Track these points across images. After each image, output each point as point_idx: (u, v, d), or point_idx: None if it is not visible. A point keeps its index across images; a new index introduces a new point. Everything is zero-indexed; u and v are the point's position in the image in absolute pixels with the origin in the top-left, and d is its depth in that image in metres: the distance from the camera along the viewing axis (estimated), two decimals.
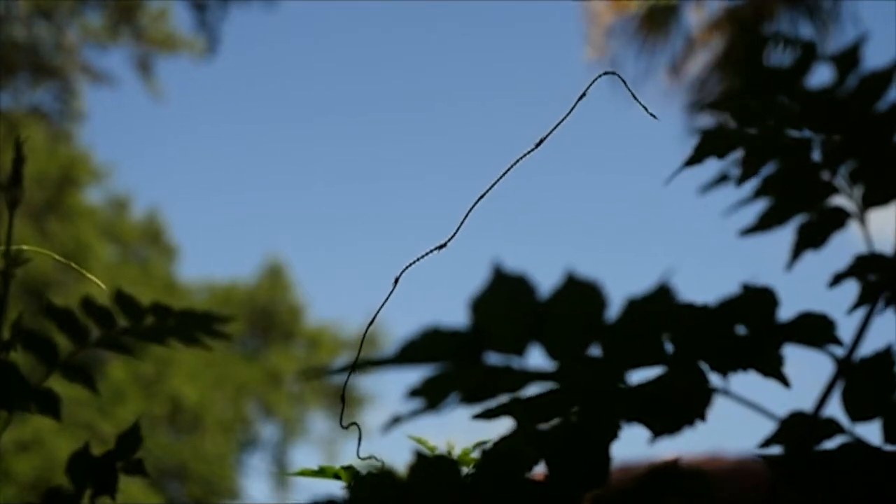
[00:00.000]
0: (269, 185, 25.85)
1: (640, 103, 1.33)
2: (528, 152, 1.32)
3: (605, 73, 1.30)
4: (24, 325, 1.16)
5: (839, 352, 0.88)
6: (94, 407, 14.65)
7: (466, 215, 1.32)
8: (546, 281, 0.78)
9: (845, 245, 0.95)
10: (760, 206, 0.94)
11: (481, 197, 1.32)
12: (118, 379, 15.57)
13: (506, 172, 1.32)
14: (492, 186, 1.32)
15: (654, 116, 1.34)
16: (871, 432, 0.90)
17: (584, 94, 1.31)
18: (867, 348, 0.88)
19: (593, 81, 1.30)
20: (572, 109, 1.31)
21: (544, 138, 1.32)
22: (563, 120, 1.31)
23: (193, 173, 25.75)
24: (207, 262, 27.36)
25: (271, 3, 12.66)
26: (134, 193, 18.70)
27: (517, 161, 1.32)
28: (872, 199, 0.91)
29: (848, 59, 0.87)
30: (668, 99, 9.75)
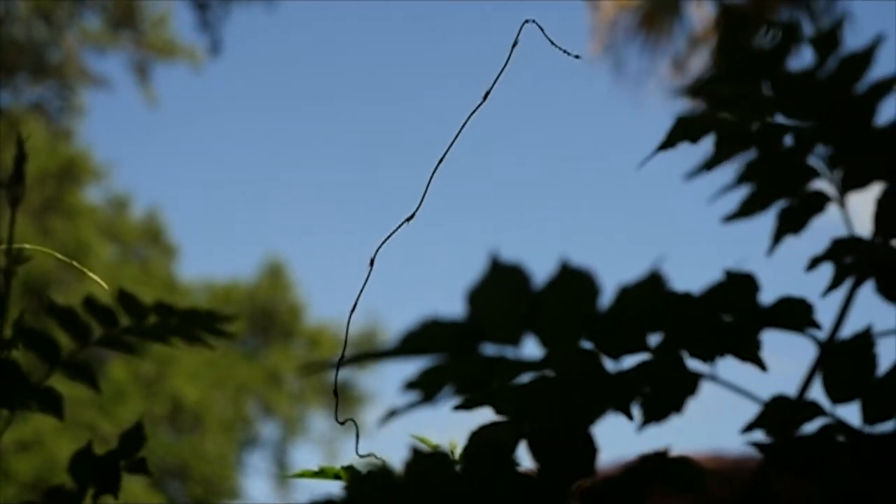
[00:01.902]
0: (269, 184, 25.82)
1: (561, 49, 1.40)
2: (477, 108, 1.38)
3: (528, 22, 1.36)
4: (26, 323, 1.17)
5: (821, 335, 0.89)
6: (94, 406, 14.64)
7: (428, 184, 1.36)
8: (539, 267, 0.79)
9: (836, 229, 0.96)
10: (743, 192, 0.95)
11: (439, 163, 1.36)
12: (118, 378, 15.55)
13: (458, 133, 1.36)
14: (447, 150, 1.37)
15: (578, 57, 1.41)
16: (851, 414, 0.91)
17: (516, 42, 1.36)
18: (849, 330, 0.89)
19: (521, 28, 1.36)
20: (508, 60, 1.37)
21: (489, 91, 1.38)
22: (502, 71, 1.37)
23: (193, 172, 25.71)
24: (207, 261, 27.32)
25: (272, 1, 12.65)
26: (134, 192, 18.70)
27: (467, 119, 1.37)
28: (852, 183, 0.92)
29: (828, 41, 0.87)
30: (671, 95, 9.74)
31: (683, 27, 9.70)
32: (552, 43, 1.38)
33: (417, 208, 1.36)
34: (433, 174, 1.36)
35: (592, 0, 9.90)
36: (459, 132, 1.35)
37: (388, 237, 1.36)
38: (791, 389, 0.92)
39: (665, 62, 9.70)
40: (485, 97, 1.37)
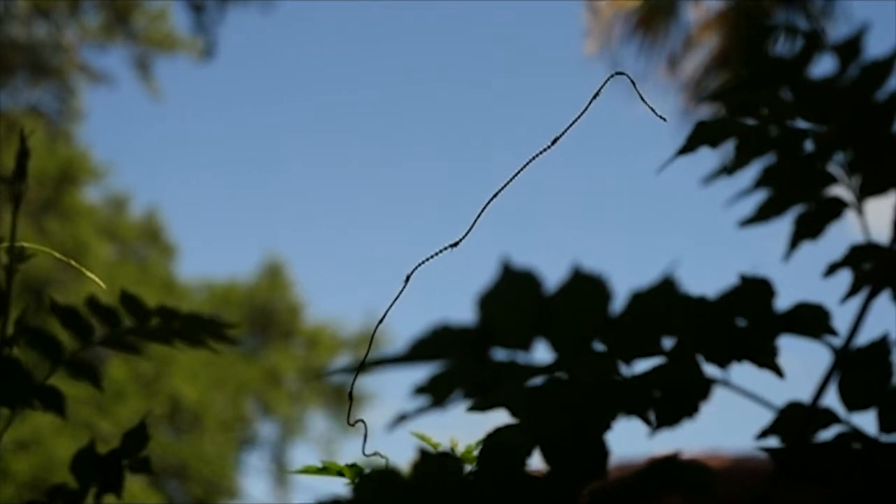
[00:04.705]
0: (268, 183, 25.85)
1: (646, 104, 1.34)
2: (543, 151, 1.33)
3: (617, 73, 1.31)
4: (28, 321, 1.17)
5: (836, 342, 0.88)
6: (92, 405, 14.63)
7: (480, 213, 1.32)
8: (548, 272, 0.79)
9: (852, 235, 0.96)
10: (760, 196, 0.94)
11: (496, 195, 1.32)
12: (118, 378, 15.54)
13: (520, 171, 1.32)
14: (506, 184, 1.32)
15: (664, 119, 1.35)
16: (867, 422, 0.91)
17: (597, 94, 1.31)
18: (865, 337, 0.89)
19: (606, 81, 1.31)
20: (586, 109, 1.31)
21: (559, 137, 1.33)
22: (577, 119, 1.31)
23: (192, 172, 25.74)
24: (206, 260, 27.34)
25: (269, 3, 12.67)
26: (132, 192, 18.70)
27: (532, 159, 1.32)
28: (870, 189, 0.91)
29: (850, 49, 0.87)
30: (666, 94, 9.77)
31: (680, 28, 9.71)
32: (642, 99, 1.32)
33: (465, 236, 1.32)
34: (486, 206, 1.31)
35: (590, 0, 9.91)
36: (520, 171, 1.30)
37: (428, 259, 1.32)
38: (794, 389, 0.91)
39: (662, 63, 9.71)
40: (553, 142, 1.31)
